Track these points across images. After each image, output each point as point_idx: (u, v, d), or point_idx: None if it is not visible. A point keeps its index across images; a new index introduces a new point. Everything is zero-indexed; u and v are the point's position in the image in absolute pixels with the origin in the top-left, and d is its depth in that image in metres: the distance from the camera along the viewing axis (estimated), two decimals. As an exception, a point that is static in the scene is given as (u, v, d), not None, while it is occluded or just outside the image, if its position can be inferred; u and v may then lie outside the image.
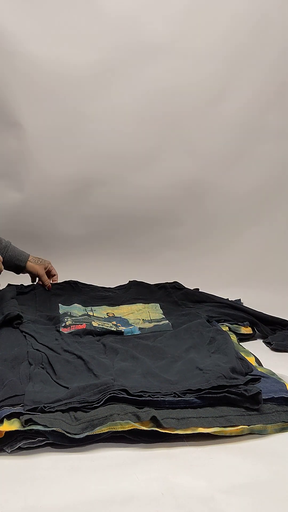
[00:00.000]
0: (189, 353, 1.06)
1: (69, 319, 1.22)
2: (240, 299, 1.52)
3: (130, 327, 1.22)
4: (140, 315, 1.31)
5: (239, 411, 0.83)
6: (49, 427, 0.76)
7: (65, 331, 1.17)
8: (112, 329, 1.21)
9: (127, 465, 0.72)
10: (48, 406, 0.81)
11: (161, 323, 1.26)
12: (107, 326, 1.22)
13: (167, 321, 1.27)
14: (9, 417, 0.79)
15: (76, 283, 1.48)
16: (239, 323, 1.30)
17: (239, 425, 0.80)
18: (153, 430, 0.78)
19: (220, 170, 1.97)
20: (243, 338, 1.27)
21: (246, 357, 1.05)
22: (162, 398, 0.84)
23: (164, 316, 1.30)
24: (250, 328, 1.30)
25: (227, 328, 1.27)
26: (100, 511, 0.63)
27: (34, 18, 1.77)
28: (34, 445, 0.76)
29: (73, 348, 1.06)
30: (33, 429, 0.76)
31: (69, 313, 1.26)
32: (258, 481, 0.69)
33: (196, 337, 1.14)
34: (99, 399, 0.83)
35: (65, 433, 0.76)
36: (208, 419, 0.80)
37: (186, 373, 0.95)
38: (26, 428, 0.76)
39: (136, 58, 1.84)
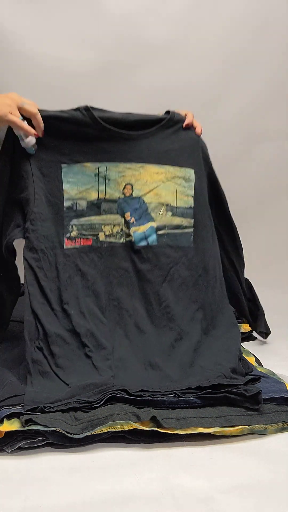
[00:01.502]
0: (194, 327, 1.05)
1: (74, 228, 1.07)
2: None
3: (146, 228, 1.09)
4: (165, 196, 1.10)
5: (239, 411, 0.83)
6: (49, 427, 0.76)
7: (68, 245, 1.05)
8: (121, 241, 1.08)
9: (127, 465, 0.72)
10: (48, 406, 0.81)
11: (185, 230, 1.12)
12: (116, 238, 1.08)
13: (192, 228, 1.12)
14: (9, 417, 0.79)
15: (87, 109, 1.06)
16: (238, 320, 1.30)
17: (239, 425, 0.80)
18: (153, 430, 0.78)
19: (220, 171, 1.96)
20: (243, 338, 1.27)
21: (246, 357, 1.05)
22: (162, 398, 0.84)
23: (192, 205, 1.13)
24: (248, 325, 1.30)
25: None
26: (100, 511, 0.63)
27: (34, 16, 1.77)
28: (34, 445, 0.76)
29: (72, 304, 1.00)
30: (33, 429, 0.76)
31: (75, 205, 1.07)
32: (258, 481, 0.69)
33: (205, 295, 1.11)
34: (99, 399, 0.83)
35: (65, 433, 0.76)
36: (208, 419, 0.80)
37: (186, 368, 0.95)
38: (26, 428, 0.76)
39: (136, 58, 1.84)
